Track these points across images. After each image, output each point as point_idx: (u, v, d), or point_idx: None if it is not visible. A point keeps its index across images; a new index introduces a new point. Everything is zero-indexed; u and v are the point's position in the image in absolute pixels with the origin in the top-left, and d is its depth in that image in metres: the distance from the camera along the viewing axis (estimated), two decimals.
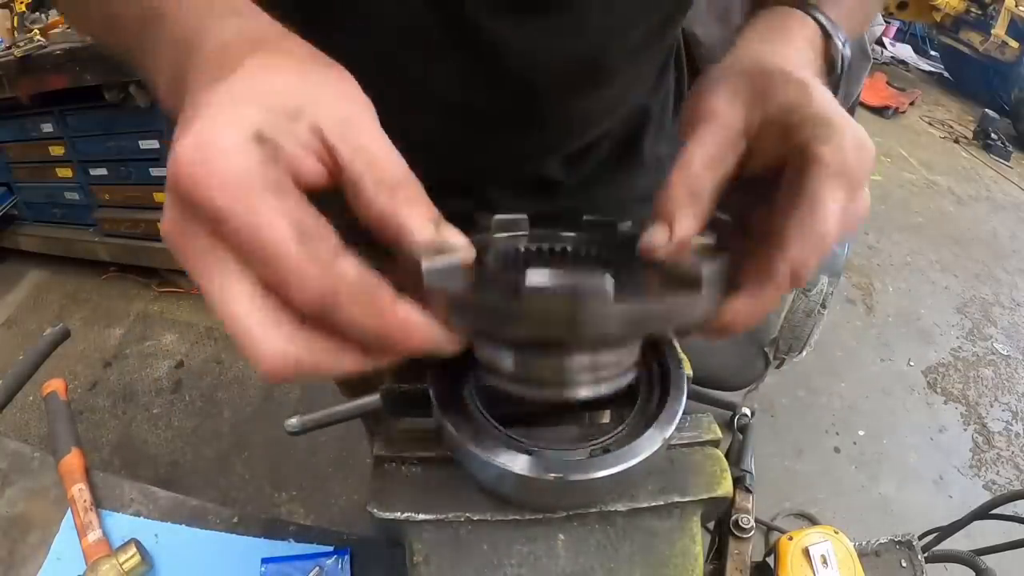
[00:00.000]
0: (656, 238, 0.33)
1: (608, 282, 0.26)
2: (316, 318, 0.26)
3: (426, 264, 0.27)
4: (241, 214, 0.24)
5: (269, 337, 0.25)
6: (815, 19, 0.40)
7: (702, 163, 0.34)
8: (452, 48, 0.48)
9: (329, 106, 0.27)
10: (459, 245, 0.29)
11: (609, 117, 0.61)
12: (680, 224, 0.33)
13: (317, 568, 0.60)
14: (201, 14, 0.30)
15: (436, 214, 0.29)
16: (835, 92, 0.38)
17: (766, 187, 0.35)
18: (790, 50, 0.38)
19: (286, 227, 0.24)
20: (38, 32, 1.90)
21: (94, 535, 0.60)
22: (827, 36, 0.40)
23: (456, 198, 0.57)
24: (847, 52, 0.41)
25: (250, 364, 0.26)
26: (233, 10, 0.31)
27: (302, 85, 0.28)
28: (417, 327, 0.27)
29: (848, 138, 0.32)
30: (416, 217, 0.28)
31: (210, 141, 0.24)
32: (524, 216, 0.41)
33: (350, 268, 0.25)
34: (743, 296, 0.33)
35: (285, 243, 0.24)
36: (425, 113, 0.52)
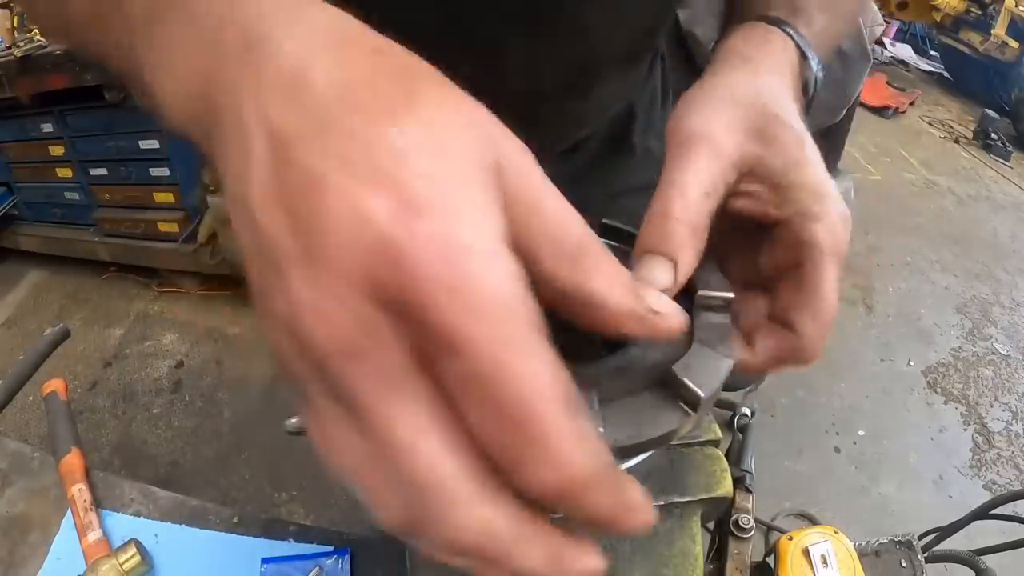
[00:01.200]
0: (662, 278, 0.30)
1: (603, 428, 0.25)
2: (533, 498, 0.19)
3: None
4: (496, 354, 0.18)
5: (473, 500, 0.19)
6: (794, 40, 0.39)
7: (698, 191, 0.31)
8: (459, 54, 0.48)
9: (509, 156, 0.22)
10: (669, 308, 0.25)
11: (600, 116, 0.63)
12: (683, 263, 0.31)
13: (317, 568, 0.60)
14: None
15: (628, 276, 0.24)
16: (805, 115, 0.38)
17: (742, 226, 0.34)
18: (776, 78, 0.36)
19: (555, 389, 0.18)
20: (38, 32, 1.90)
21: (94, 535, 0.60)
22: (804, 58, 0.39)
23: None
24: (819, 75, 0.40)
25: (432, 526, 0.19)
26: None
27: (482, 127, 0.22)
28: (642, 508, 0.21)
29: (836, 213, 0.32)
30: (613, 289, 0.23)
31: (461, 242, 0.18)
32: None
33: (605, 450, 0.20)
34: (756, 366, 0.33)
35: (551, 412, 0.18)
36: None
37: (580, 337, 0.43)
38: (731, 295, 0.33)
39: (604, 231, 0.40)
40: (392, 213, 0.18)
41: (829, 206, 0.32)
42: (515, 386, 0.18)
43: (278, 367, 0.21)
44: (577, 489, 0.19)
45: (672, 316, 0.24)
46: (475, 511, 0.19)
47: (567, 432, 0.18)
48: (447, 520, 0.19)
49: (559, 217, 0.23)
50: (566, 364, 0.31)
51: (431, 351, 0.19)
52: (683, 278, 0.31)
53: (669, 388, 0.29)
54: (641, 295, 0.24)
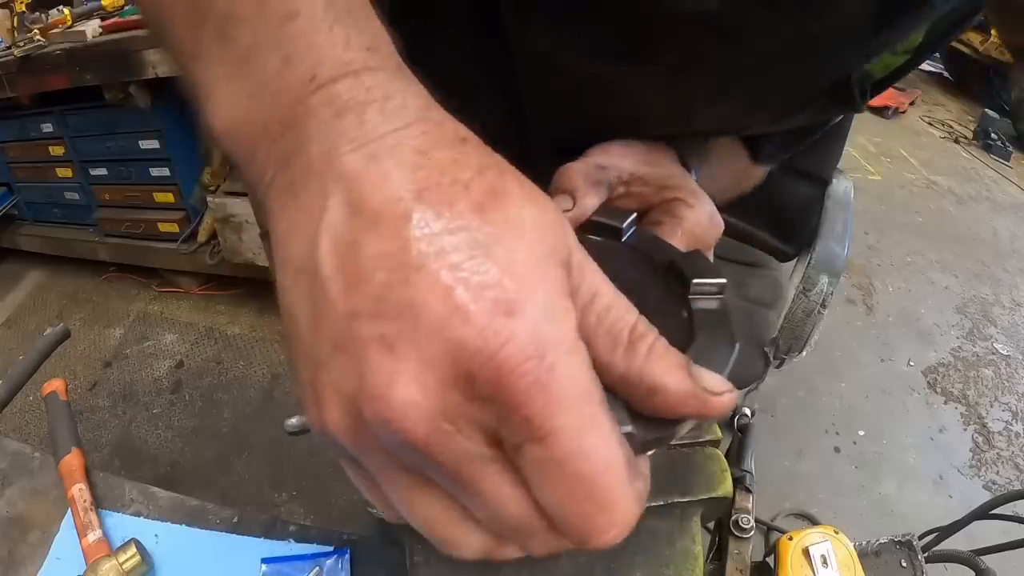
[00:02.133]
0: (564, 205, 0.38)
1: (630, 425, 0.25)
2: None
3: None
4: (576, 441, 0.20)
5: (544, 529, 0.22)
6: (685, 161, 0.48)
7: (594, 163, 0.42)
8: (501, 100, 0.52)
9: (574, 251, 0.23)
10: (723, 387, 0.24)
11: None
12: (580, 199, 0.39)
13: (317, 568, 0.60)
14: (336, 43, 0.23)
15: (682, 357, 0.25)
16: None
17: None
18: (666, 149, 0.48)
19: (620, 462, 0.21)
20: (38, 32, 1.89)
21: (94, 535, 0.60)
22: (688, 170, 0.49)
23: None
24: None
25: (516, 550, 0.24)
26: (369, 47, 0.23)
27: (558, 224, 0.23)
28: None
29: (706, 212, 0.41)
30: (670, 374, 0.23)
31: (550, 340, 0.19)
32: None
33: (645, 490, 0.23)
34: None
35: (618, 485, 0.21)
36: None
37: None
38: (723, 280, 0.33)
39: (595, 228, 0.41)
40: (487, 311, 0.19)
41: (703, 204, 0.41)
42: (589, 467, 0.20)
43: (316, 431, 0.22)
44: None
45: (727, 394, 0.24)
46: (545, 537, 0.22)
47: (629, 500, 0.21)
48: (526, 545, 0.23)
49: (613, 307, 0.24)
50: None
51: (512, 436, 0.20)
52: (580, 210, 0.38)
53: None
54: (696, 376, 0.24)
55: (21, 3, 2.02)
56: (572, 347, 0.20)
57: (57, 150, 2.21)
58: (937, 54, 5.13)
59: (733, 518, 0.56)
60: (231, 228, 2.03)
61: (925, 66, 5.17)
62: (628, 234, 0.40)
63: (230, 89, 0.24)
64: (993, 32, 3.97)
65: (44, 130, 2.17)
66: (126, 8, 1.95)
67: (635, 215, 0.40)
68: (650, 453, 0.34)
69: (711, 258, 0.41)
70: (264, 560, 0.61)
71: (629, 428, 0.25)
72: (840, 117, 0.72)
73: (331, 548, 0.62)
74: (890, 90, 4.34)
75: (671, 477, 0.42)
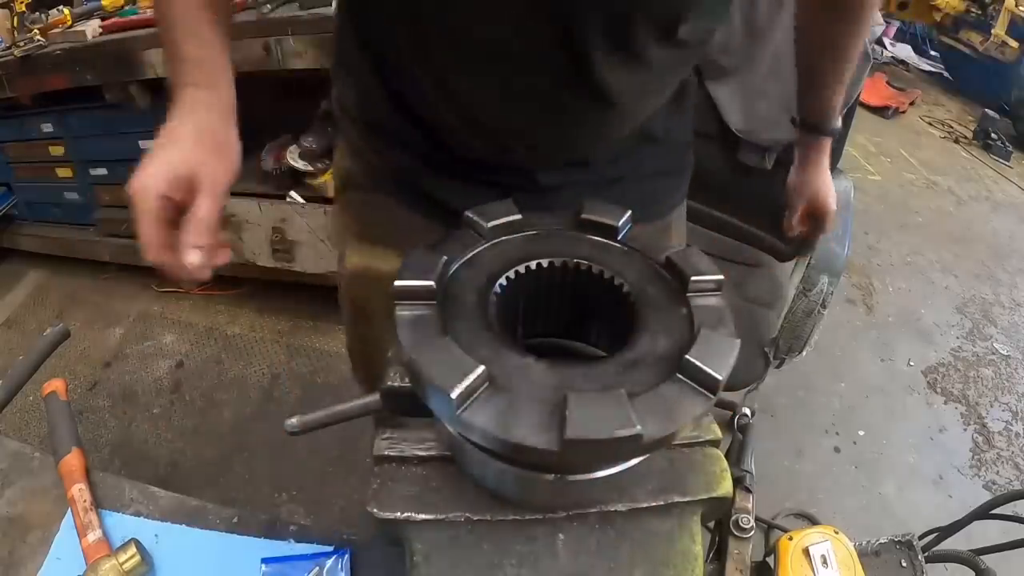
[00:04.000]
0: (789, 224, 0.88)
1: (638, 424, 0.27)
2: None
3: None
4: (138, 206, 0.54)
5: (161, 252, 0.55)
6: (832, 135, 0.84)
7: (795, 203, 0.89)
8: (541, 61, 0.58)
9: (206, 172, 0.56)
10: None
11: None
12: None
13: (317, 568, 0.60)
14: (189, 72, 0.59)
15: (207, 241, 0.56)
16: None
17: None
18: (824, 167, 0.92)
19: (154, 220, 0.54)
20: (38, 32, 1.90)
21: (94, 535, 0.60)
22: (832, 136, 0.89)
23: (505, 171, 0.69)
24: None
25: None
26: (195, 83, 0.59)
27: (191, 159, 0.56)
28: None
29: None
30: (193, 239, 0.54)
31: (146, 172, 0.54)
32: (518, 216, 0.41)
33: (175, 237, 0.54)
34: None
35: (150, 227, 0.54)
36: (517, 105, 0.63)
37: (590, 335, 0.43)
38: (721, 277, 0.34)
39: (582, 225, 0.41)
40: (178, 159, 0.56)
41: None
42: (139, 217, 0.54)
43: (128, 191, 0.56)
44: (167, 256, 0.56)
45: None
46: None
47: (152, 232, 0.54)
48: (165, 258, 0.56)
49: (209, 209, 0.56)
50: (579, 365, 0.32)
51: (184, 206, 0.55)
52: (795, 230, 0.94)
53: (685, 376, 0.30)
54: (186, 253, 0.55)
55: (21, 3, 2.02)
56: (151, 179, 0.55)
57: (57, 150, 2.21)
58: (936, 54, 5.13)
59: (733, 518, 0.56)
60: (231, 228, 2.03)
61: (925, 66, 5.17)
62: (623, 232, 0.40)
63: (171, 71, 0.61)
64: (993, 32, 3.97)
65: (44, 130, 2.17)
66: (126, 8, 1.95)
67: (629, 213, 0.40)
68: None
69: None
70: (264, 560, 0.61)
71: (637, 428, 0.25)
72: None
73: (331, 548, 0.62)
74: (890, 90, 4.34)
75: (671, 477, 0.42)
